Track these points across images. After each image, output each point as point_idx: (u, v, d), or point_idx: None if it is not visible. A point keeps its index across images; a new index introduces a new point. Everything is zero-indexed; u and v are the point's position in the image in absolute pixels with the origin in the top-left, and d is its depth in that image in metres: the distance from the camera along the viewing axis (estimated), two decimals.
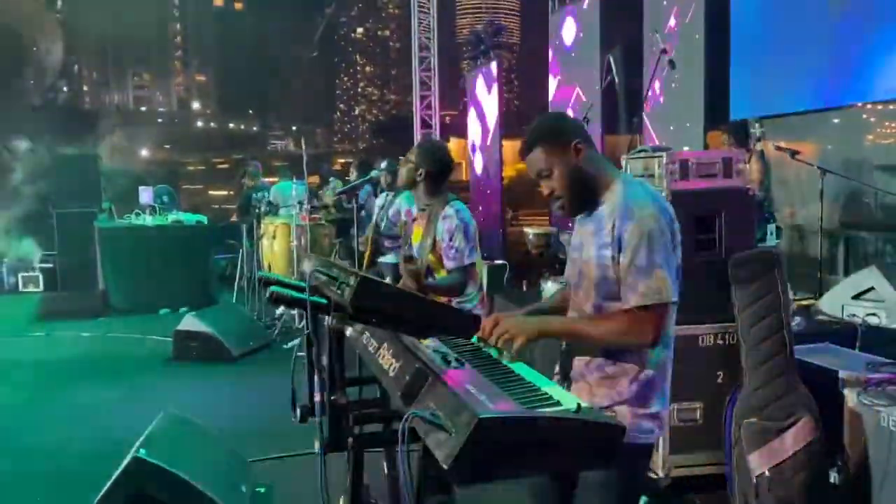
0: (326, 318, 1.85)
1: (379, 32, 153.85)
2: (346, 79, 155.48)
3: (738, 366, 3.41)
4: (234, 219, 11.45)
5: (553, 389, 1.71)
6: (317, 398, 1.79)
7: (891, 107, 6.68)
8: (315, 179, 12.44)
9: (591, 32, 9.77)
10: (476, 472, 1.44)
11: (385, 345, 2.12)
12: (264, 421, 4.95)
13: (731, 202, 3.47)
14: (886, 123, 6.97)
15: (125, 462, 3.16)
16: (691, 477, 3.56)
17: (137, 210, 9.14)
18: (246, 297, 7.88)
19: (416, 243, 3.40)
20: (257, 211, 7.80)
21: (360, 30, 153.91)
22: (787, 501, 3.11)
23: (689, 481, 3.55)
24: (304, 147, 7.45)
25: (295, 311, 7.48)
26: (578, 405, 1.57)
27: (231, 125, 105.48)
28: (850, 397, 3.22)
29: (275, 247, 7.68)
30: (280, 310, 7.70)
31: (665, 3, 8.62)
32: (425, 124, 13.83)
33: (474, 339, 2.19)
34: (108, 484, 3.13)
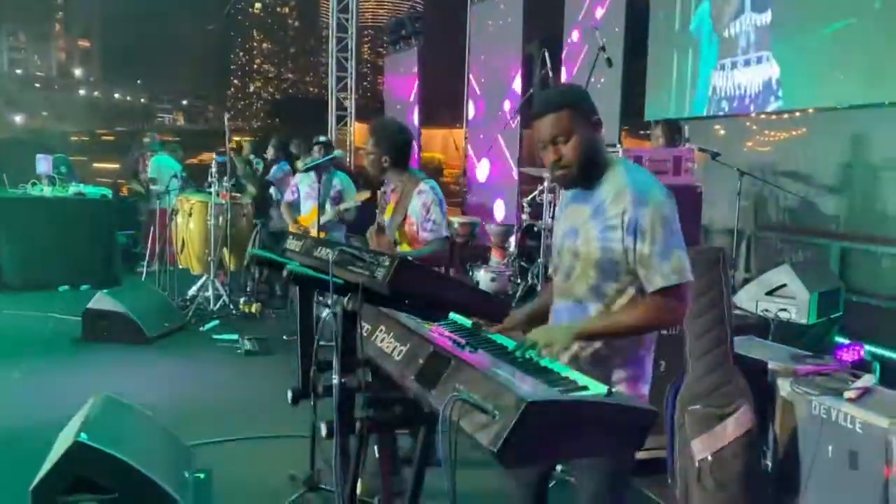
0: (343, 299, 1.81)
1: (278, 9, 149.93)
2: (241, 54, 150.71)
3: (680, 355, 3.57)
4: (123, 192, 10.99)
5: (573, 374, 1.75)
6: (334, 380, 1.75)
7: (773, 117, 7.13)
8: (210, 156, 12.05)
9: (513, 25, 9.91)
10: (521, 455, 1.45)
11: (382, 328, 2.09)
12: (187, 404, 4.79)
13: (679, 199, 3.59)
14: (765, 132, 7.43)
15: (65, 446, 2.98)
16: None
17: (34, 180, 8.54)
18: (156, 277, 7.54)
19: (388, 217, 3.42)
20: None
21: (258, 5, 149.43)
22: (726, 485, 3.30)
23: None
24: (226, 122, 7.18)
25: (210, 294, 7.24)
26: (609, 389, 1.61)
27: (117, 95, 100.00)
28: (783, 387, 3.44)
29: (190, 225, 7.38)
30: (192, 290, 7.44)
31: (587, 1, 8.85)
32: (340, 106, 13.62)
33: (469, 324, 2.21)
34: (46, 469, 2.95)
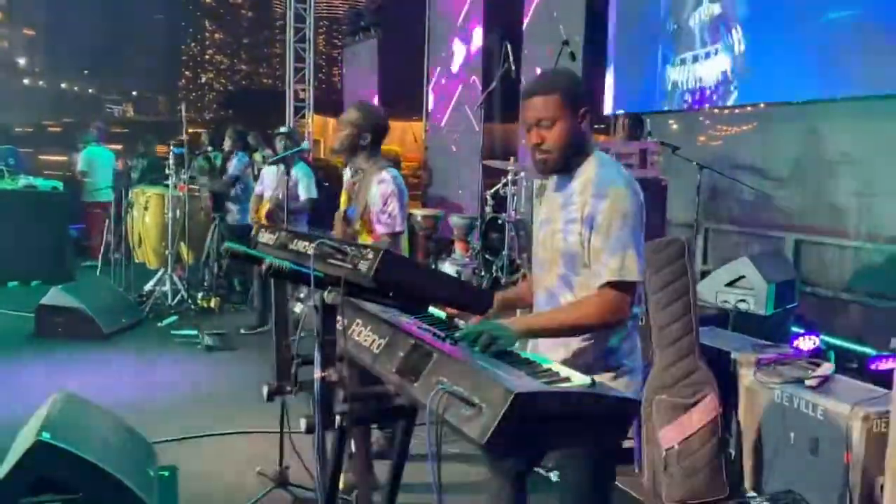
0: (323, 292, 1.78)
1: None
2: (193, 45, 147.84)
3: (646, 346, 3.62)
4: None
5: (555, 366, 1.76)
6: (316, 375, 1.73)
7: (726, 112, 7.28)
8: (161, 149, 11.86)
9: (474, 19, 9.92)
10: (508, 446, 1.45)
11: (359, 321, 2.07)
12: (147, 401, 4.69)
13: (645, 191, 3.64)
14: (718, 126, 7.57)
15: (26, 445, 2.89)
16: None
17: None
18: (112, 271, 7.37)
19: (353, 206, 3.36)
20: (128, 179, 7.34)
21: None
22: (692, 473, 3.36)
23: None
24: (183, 113, 7.03)
25: (167, 288, 7.11)
26: (592, 380, 1.62)
27: (63, 86, 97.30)
28: (746, 376, 3.52)
29: (146, 218, 7.22)
30: (149, 285, 7.28)
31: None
32: (296, 98, 13.42)
33: (444, 316, 2.20)
34: (6, 469, 2.86)
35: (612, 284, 2.03)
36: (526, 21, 8.99)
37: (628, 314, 2.07)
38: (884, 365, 4.35)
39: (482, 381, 1.52)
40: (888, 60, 5.10)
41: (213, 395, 4.90)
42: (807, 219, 6.39)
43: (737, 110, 7.21)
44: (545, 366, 1.75)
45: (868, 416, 2.94)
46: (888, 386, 2.97)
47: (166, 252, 7.07)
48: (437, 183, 11.03)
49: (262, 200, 6.15)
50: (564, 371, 1.70)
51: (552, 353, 2.13)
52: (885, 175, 5.61)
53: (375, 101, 12.02)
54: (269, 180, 6.16)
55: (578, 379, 1.64)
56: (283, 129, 6.30)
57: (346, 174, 3.52)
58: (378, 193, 3.26)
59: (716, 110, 7.35)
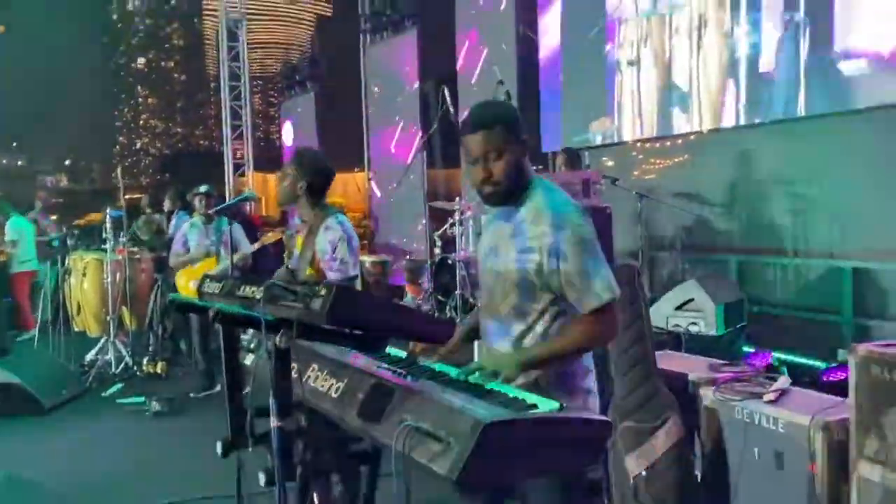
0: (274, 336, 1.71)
1: (162, 63, 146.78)
2: (126, 110, 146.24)
3: (602, 373, 3.60)
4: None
5: (521, 393, 1.71)
6: (273, 424, 1.65)
7: (657, 145, 7.48)
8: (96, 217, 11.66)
9: (410, 67, 10.05)
10: (481, 479, 1.40)
11: (314, 366, 2.01)
12: (95, 475, 4.45)
13: (593, 220, 3.67)
14: (651, 160, 7.78)
15: None
16: None
17: None
18: (50, 342, 7.07)
19: (298, 255, 3.28)
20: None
21: (141, 60, 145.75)
22: (662, 498, 3.33)
23: None
24: (119, 178, 6.87)
25: (111, 356, 6.85)
26: (561, 405, 1.58)
27: None
28: (706, 395, 3.52)
29: (85, 284, 6.98)
30: (91, 354, 7.01)
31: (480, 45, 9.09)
32: (235, 156, 13.29)
33: (404, 355, 2.14)
34: None
35: (601, 307, 2.03)
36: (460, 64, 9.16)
37: (616, 332, 2.13)
38: (836, 376, 4.44)
39: (448, 414, 1.48)
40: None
41: (163, 461, 4.69)
42: (748, 240, 6.55)
43: (668, 143, 7.43)
44: (511, 395, 1.70)
45: (828, 425, 2.95)
46: (843, 395, 3.01)
47: (108, 318, 6.83)
48: (383, 230, 11.01)
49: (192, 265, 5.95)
50: (531, 398, 1.66)
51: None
52: (817, 193, 5.82)
53: None
54: (194, 239, 6.00)
55: (546, 405, 1.60)
56: (202, 189, 6.15)
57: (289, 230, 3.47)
58: (326, 241, 3.21)
59: (647, 144, 7.54)
